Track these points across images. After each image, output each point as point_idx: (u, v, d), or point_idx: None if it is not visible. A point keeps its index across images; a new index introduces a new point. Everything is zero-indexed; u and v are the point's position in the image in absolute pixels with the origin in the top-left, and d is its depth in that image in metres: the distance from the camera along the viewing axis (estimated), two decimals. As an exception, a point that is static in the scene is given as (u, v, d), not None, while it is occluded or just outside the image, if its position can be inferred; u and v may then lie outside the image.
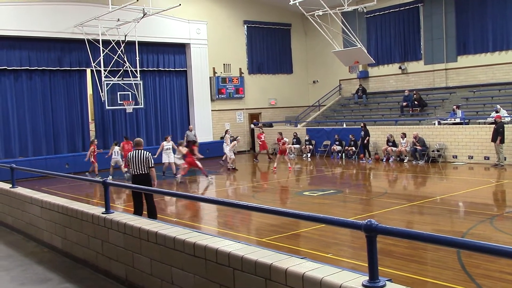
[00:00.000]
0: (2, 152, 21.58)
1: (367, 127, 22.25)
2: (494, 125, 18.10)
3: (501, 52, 23.32)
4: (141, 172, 10.43)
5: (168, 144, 19.32)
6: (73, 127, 23.41)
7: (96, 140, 20.98)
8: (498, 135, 17.78)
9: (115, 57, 22.42)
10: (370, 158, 21.93)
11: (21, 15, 21.17)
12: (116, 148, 19.46)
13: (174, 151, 19.14)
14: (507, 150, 18.35)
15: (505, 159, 18.15)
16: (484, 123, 19.93)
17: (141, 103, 23.17)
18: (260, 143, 24.27)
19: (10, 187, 10.19)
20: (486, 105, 21.88)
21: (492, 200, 13.42)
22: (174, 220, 11.21)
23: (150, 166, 10.51)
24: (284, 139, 21.04)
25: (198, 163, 18.26)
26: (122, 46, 22.28)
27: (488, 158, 18.88)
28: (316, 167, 21.58)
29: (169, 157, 19.21)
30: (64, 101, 23.16)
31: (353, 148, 22.85)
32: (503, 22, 23.06)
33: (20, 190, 9.84)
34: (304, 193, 14.72)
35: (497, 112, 19.24)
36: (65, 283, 6.66)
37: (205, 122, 27.12)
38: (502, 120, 18.32)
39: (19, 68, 21.78)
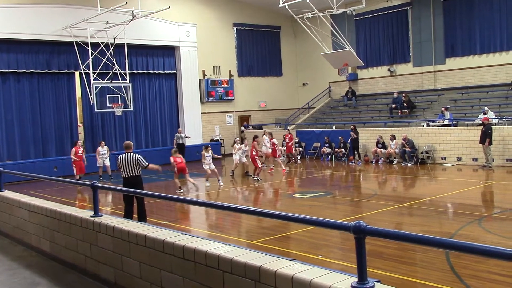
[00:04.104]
0: (-11, 155, 21.41)
1: (357, 129, 22.31)
2: (482, 127, 18.25)
3: (489, 54, 23.55)
4: (131, 174, 10.40)
5: (103, 150, 19.77)
6: (62, 130, 23.25)
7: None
8: (486, 137, 17.93)
9: (104, 60, 22.32)
10: (359, 160, 22.02)
11: (8, 17, 21.00)
12: None
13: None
14: (495, 152, 18.51)
15: (493, 161, 18.30)
16: (472, 124, 20.09)
17: (131, 106, 23.08)
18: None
19: (-3, 191, 10.08)
20: (474, 107, 22.06)
21: (480, 201, 13.52)
22: (164, 223, 11.17)
23: (144, 166, 10.48)
24: (273, 140, 20.79)
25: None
26: (111, 48, 22.19)
27: (476, 160, 19.03)
28: (306, 169, 21.61)
29: (104, 162, 19.67)
30: (53, 104, 23.01)
31: (343, 150, 22.93)
32: (491, 25, 23.28)
33: (8, 193, 9.74)
34: (294, 195, 14.73)
35: (484, 114, 19.41)
36: (54, 287, 6.61)
37: (194, 125, 27.08)
38: (490, 122, 18.47)
39: (7, 71, 21.61)
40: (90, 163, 20.17)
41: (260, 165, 18.15)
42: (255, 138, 18.83)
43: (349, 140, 22.39)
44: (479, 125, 19.00)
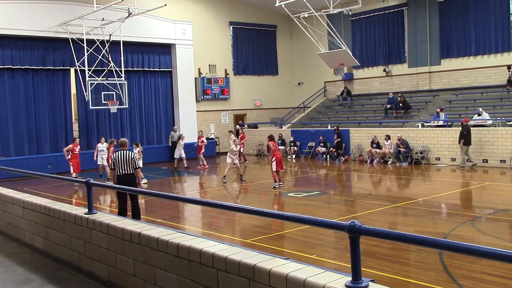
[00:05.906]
0: (-17, 151, 21.30)
1: (339, 129, 23.00)
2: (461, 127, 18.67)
3: (484, 56, 23.64)
4: (126, 172, 10.38)
5: (102, 146, 18.31)
6: (56, 127, 23.15)
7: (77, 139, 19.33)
8: (463, 137, 18.38)
9: (100, 57, 22.24)
10: (341, 158, 22.34)
11: (3, 13, 20.87)
12: None
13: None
14: (489, 153, 18.61)
15: (467, 161, 18.64)
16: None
17: (126, 103, 23.01)
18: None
19: (-9, 187, 10.03)
20: (469, 108, 22.14)
21: (473, 202, 13.58)
22: (158, 221, 11.16)
23: (136, 166, 10.48)
24: (203, 138, 21.76)
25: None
26: (107, 45, 22.10)
27: (470, 161, 19.09)
28: (300, 169, 21.64)
29: (103, 159, 18.15)
30: (47, 101, 22.90)
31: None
32: (486, 26, 23.38)
33: (2, 190, 9.69)
34: (288, 194, 14.74)
35: (479, 115, 19.54)
36: (47, 284, 6.58)
37: (190, 123, 27.02)
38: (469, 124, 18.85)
39: (1, 67, 21.49)
40: (83, 161, 20.02)
41: (274, 169, 15.81)
42: (272, 138, 16.41)
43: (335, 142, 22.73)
44: (468, 126, 19.29)
